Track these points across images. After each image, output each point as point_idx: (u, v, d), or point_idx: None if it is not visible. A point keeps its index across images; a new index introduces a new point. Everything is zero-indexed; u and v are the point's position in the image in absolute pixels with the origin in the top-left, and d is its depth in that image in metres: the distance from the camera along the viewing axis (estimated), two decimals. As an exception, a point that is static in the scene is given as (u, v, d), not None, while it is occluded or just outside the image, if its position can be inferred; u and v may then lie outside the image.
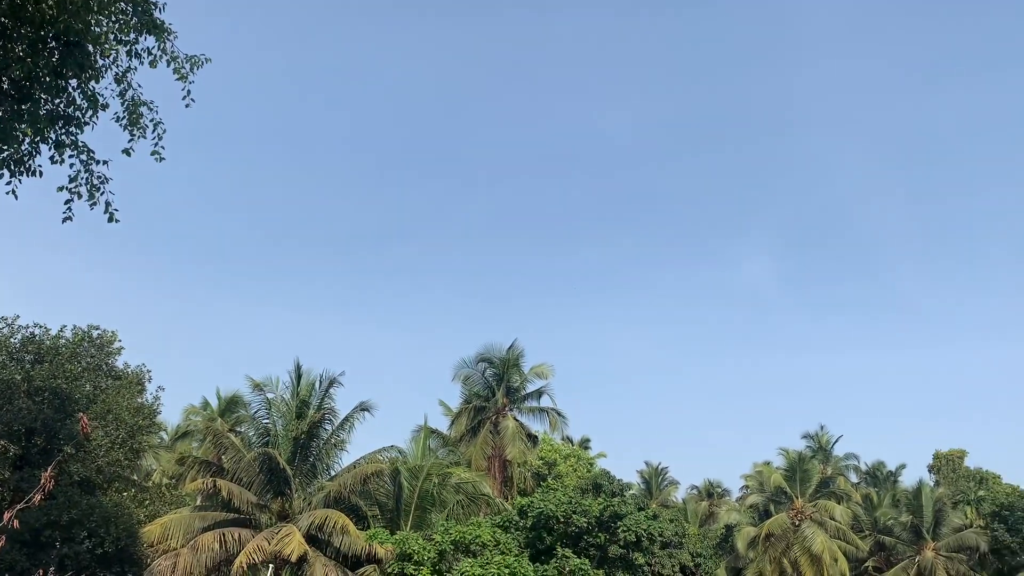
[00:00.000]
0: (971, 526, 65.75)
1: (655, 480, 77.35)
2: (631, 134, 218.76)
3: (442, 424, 55.89)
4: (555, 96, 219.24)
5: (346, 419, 37.58)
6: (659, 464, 79.66)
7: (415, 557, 31.97)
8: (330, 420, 37.21)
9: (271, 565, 32.05)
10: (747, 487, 76.15)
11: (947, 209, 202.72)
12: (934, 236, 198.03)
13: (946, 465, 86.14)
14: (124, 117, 14.27)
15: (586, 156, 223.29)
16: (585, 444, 75.56)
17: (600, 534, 37.70)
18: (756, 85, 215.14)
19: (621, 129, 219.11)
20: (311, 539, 32.77)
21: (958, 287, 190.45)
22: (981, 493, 73.39)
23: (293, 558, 30.90)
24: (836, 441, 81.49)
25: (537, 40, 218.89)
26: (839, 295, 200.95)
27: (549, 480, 61.94)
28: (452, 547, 32.55)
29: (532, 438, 56.13)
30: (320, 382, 38.02)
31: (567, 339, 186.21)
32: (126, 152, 14.27)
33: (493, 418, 53.96)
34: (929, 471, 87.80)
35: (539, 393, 55.93)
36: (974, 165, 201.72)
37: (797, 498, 61.27)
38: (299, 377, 38.22)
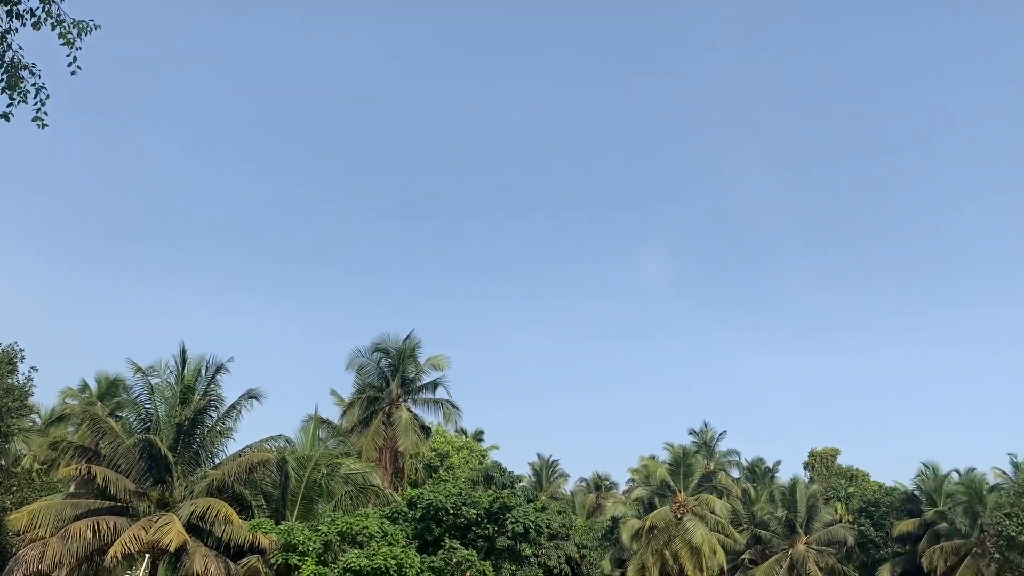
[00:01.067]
0: (841, 521, 69.22)
1: (545, 472, 78.30)
2: (537, 133, 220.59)
3: (334, 414, 55.05)
4: (463, 91, 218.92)
5: (233, 406, 36.56)
6: (550, 457, 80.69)
7: (300, 548, 31.43)
8: (216, 407, 36.10)
9: (148, 555, 30.92)
10: (633, 480, 77.95)
11: (836, 218, 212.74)
12: (822, 244, 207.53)
13: (820, 463, 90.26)
14: (2, 80, 13.46)
15: (492, 152, 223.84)
16: (479, 436, 75.81)
17: (489, 526, 37.94)
18: (660, 89, 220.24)
19: (527, 127, 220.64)
20: (192, 528, 31.78)
21: (841, 294, 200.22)
22: (851, 490, 77.31)
23: (172, 548, 29.91)
24: (720, 437, 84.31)
25: (447, 35, 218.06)
26: (731, 297, 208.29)
27: (441, 472, 61.93)
28: (338, 538, 32.17)
29: (425, 429, 55.94)
30: (207, 368, 36.86)
31: (465, 331, 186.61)
32: (4, 117, 13.47)
33: (386, 409, 53.48)
34: (804, 468, 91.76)
35: (435, 384, 55.77)
36: (863, 175, 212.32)
37: (680, 492, 63.06)
38: (184, 362, 36.92)
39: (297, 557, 31.42)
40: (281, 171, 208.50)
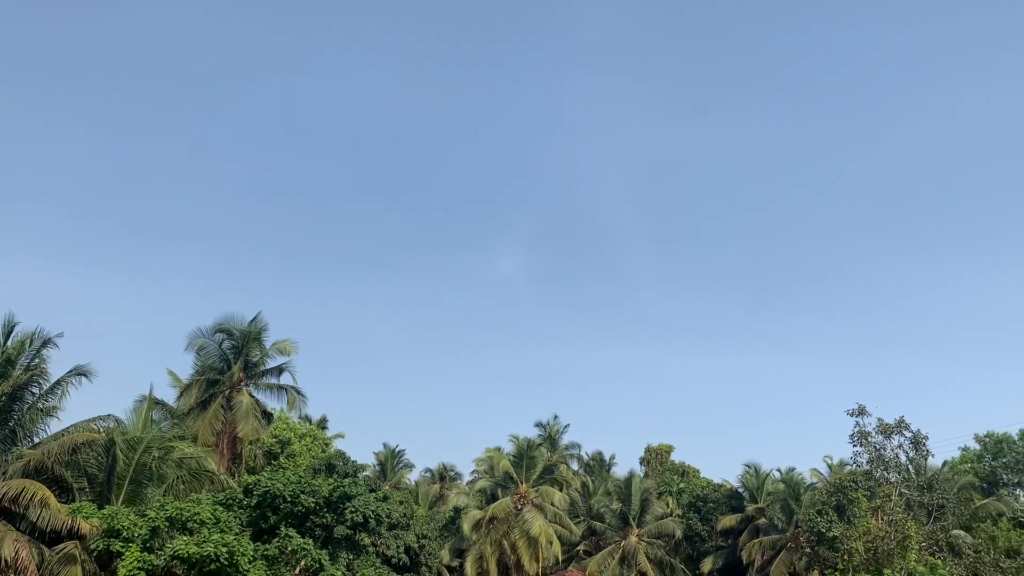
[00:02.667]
0: (671, 515, 72.54)
1: (390, 462, 77.93)
2: (404, 120, 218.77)
3: (171, 396, 52.67)
4: (328, 71, 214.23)
5: (58, 383, 34.49)
6: (396, 447, 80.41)
7: (124, 533, 29.99)
8: (39, 383, 33.96)
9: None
10: (478, 472, 78.82)
11: (683, 224, 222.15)
12: (671, 248, 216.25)
13: (655, 458, 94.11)
14: None
15: (355, 136, 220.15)
16: (323, 424, 74.58)
17: (327, 514, 37.47)
18: (527, 86, 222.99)
19: (394, 114, 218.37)
20: (2, 512, 29.73)
21: (686, 297, 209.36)
22: (682, 485, 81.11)
23: (-22, 533, 27.88)
24: (564, 431, 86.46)
25: (313, 14, 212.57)
26: (582, 295, 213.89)
27: (281, 459, 60.60)
28: (167, 524, 30.89)
29: (267, 415, 54.47)
30: (32, 341, 34.56)
31: (316, 317, 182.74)
32: None
33: (227, 392, 51.70)
34: (640, 463, 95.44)
35: (279, 370, 54.37)
36: (712, 187, 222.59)
37: (522, 483, 64.33)
38: (8, 334, 34.55)
39: (120, 543, 29.97)
40: (129, 137, 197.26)
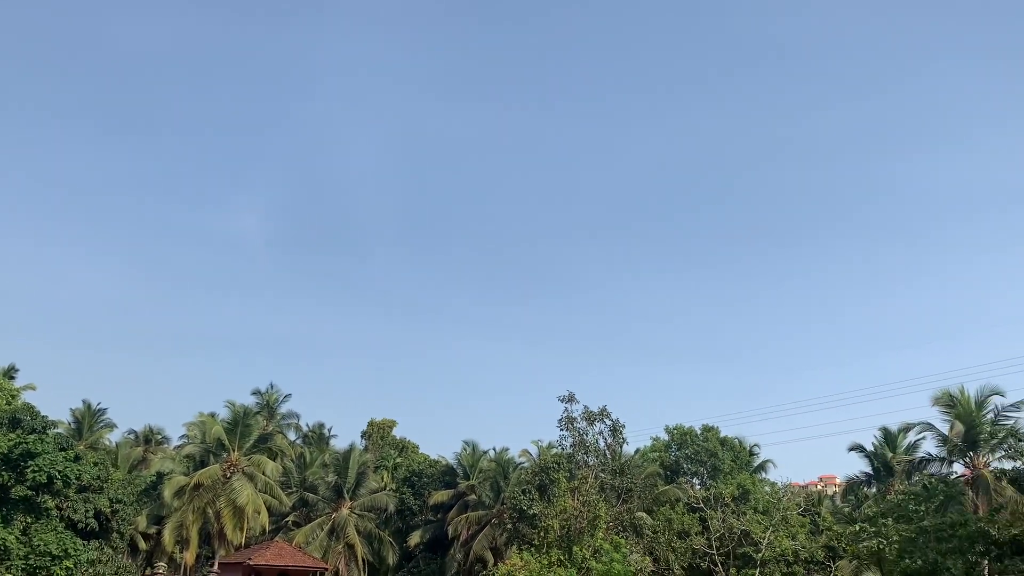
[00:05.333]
0: (385, 489, 73.31)
1: (88, 420, 71.97)
2: (145, 50, 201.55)
3: None
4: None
5: None
6: (97, 404, 74.35)
7: None
8: None
9: None
10: (188, 437, 74.99)
11: (431, 207, 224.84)
12: (414, 229, 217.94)
13: (377, 432, 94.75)
14: None
15: (90, 62, 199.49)
16: (10, 374, 66.94)
17: (5, 472, 33.87)
18: (290, 40, 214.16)
19: (133, 43, 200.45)
20: None
21: (423, 279, 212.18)
22: (399, 460, 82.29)
23: None
24: (284, 400, 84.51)
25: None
26: (320, 265, 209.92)
27: (-45, 409, 53.65)
28: None
29: (-59, 359, 47.99)
30: None
31: (15, 260, 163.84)
32: None
33: None
34: (362, 437, 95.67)
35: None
36: (465, 175, 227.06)
37: (234, 451, 62.03)
38: None
39: None
40: None
